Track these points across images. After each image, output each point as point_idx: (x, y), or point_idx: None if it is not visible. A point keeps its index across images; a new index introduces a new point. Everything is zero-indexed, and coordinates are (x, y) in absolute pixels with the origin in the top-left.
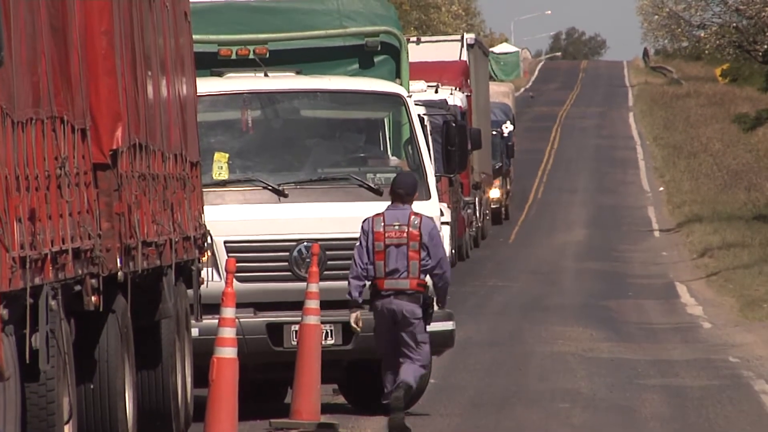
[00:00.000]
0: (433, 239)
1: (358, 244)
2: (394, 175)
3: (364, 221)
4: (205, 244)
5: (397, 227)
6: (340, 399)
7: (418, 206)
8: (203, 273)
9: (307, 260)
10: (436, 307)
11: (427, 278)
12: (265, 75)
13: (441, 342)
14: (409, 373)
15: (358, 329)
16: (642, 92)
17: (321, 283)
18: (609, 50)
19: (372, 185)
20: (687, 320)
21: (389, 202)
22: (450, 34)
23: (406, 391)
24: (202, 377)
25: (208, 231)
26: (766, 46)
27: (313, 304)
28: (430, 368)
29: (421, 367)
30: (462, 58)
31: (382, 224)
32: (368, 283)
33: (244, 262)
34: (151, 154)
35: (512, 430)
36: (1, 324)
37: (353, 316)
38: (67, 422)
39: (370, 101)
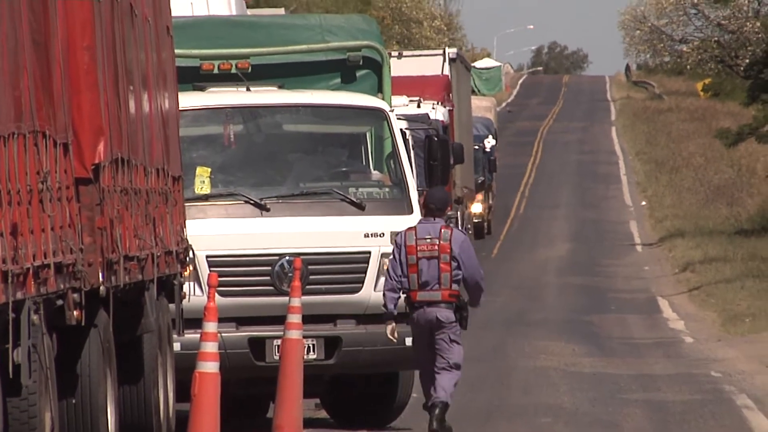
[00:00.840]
0: (464, 251)
1: (391, 257)
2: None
3: (396, 235)
4: (187, 259)
5: (428, 240)
6: (323, 413)
7: (397, 221)
8: (185, 287)
9: (290, 275)
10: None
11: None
12: (248, 89)
13: None
14: (443, 388)
15: (394, 340)
16: (624, 107)
17: (303, 298)
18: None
19: (354, 200)
20: (669, 335)
21: (370, 216)
22: (432, 49)
23: (442, 410)
24: (184, 392)
25: (190, 245)
26: (747, 61)
27: (295, 318)
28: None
29: (454, 375)
30: (444, 73)
31: (415, 238)
32: (402, 296)
33: (226, 277)
34: (134, 169)
35: None
36: None
37: (389, 328)
38: None
39: (352, 116)
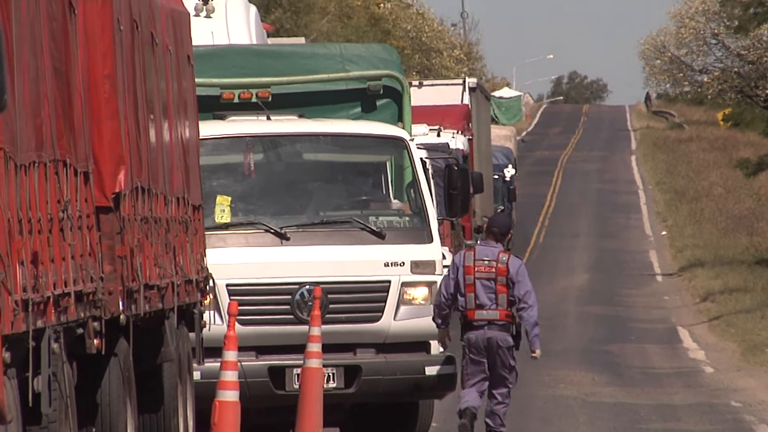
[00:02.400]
0: (520, 275)
1: (446, 274)
2: (491, 217)
3: (455, 255)
4: (208, 287)
5: (486, 262)
6: None
7: (417, 250)
8: (205, 316)
9: (309, 303)
10: (533, 353)
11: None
12: (268, 118)
13: (442, 385)
14: (500, 418)
15: (446, 346)
16: (644, 136)
17: (323, 327)
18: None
19: (374, 228)
20: (689, 365)
21: (390, 245)
22: (452, 78)
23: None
24: (204, 421)
25: (211, 274)
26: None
27: (315, 347)
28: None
29: (508, 405)
30: (464, 102)
31: (473, 259)
32: (448, 312)
33: (246, 305)
34: (154, 198)
35: None
36: (3, 367)
37: (440, 333)
38: None
39: (372, 145)
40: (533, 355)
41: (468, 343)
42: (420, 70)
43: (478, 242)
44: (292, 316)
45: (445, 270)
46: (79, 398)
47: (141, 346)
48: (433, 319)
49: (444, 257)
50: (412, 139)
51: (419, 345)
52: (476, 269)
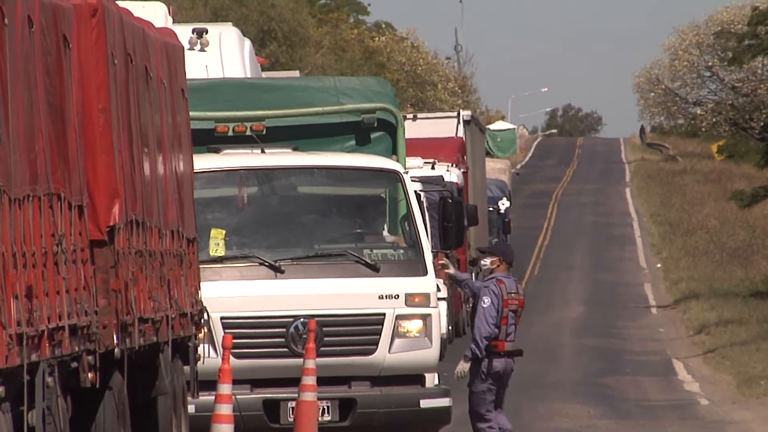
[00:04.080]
0: None
1: (488, 305)
2: (506, 246)
3: (493, 285)
4: (202, 321)
5: (514, 294)
6: None
7: (412, 282)
8: (200, 349)
9: (304, 336)
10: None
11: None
12: (262, 151)
13: (437, 418)
14: (507, 421)
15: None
16: (639, 169)
17: (318, 360)
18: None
19: (369, 261)
20: (684, 397)
21: (384, 278)
22: (446, 111)
23: None
24: None
25: (205, 307)
26: (762, 124)
27: (310, 380)
28: None
29: None
30: (458, 135)
31: (506, 291)
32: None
33: (240, 338)
34: (148, 231)
35: None
36: None
37: (466, 366)
38: None
39: (366, 178)
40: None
41: (493, 371)
42: (414, 103)
43: (491, 274)
44: (286, 349)
45: (441, 303)
46: None
47: (135, 379)
48: (480, 350)
49: (439, 289)
50: (407, 172)
51: (414, 378)
52: (510, 301)
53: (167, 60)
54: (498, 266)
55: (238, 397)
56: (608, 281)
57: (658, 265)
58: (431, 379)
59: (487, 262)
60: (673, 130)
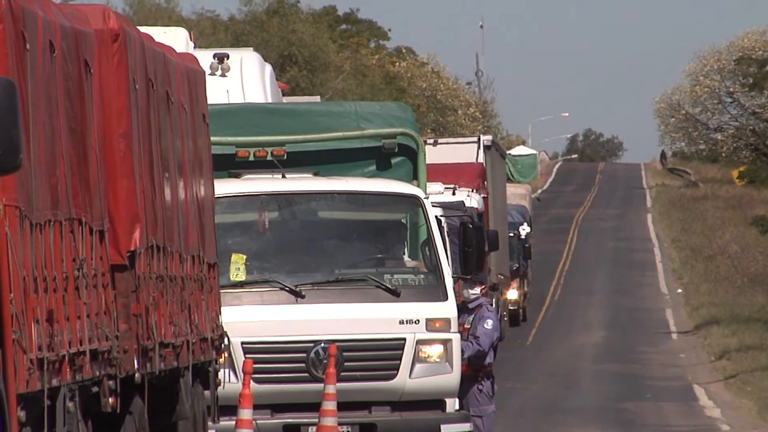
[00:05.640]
0: None
1: (494, 326)
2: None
3: (493, 312)
4: (223, 345)
5: None
6: None
7: (432, 307)
8: (220, 374)
9: (324, 361)
10: None
11: None
12: (283, 176)
13: None
14: None
15: None
16: (660, 194)
17: (338, 385)
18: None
19: (389, 286)
20: (705, 423)
21: (405, 303)
22: (467, 136)
23: None
24: None
25: (226, 332)
26: None
27: (330, 405)
28: None
29: None
30: (479, 160)
31: None
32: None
33: (261, 363)
34: (169, 256)
35: None
36: (19, 426)
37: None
38: None
39: (387, 203)
40: None
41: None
42: (435, 128)
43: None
44: (307, 374)
45: (460, 329)
46: None
47: (156, 404)
48: (479, 349)
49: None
50: (427, 197)
51: (434, 403)
52: None
53: (188, 85)
54: (484, 294)
55: (258, 422)
56: (629, 306)
57: (679, 291)
58: (451, 404)
59: (477, 291)
60: (694, 156)
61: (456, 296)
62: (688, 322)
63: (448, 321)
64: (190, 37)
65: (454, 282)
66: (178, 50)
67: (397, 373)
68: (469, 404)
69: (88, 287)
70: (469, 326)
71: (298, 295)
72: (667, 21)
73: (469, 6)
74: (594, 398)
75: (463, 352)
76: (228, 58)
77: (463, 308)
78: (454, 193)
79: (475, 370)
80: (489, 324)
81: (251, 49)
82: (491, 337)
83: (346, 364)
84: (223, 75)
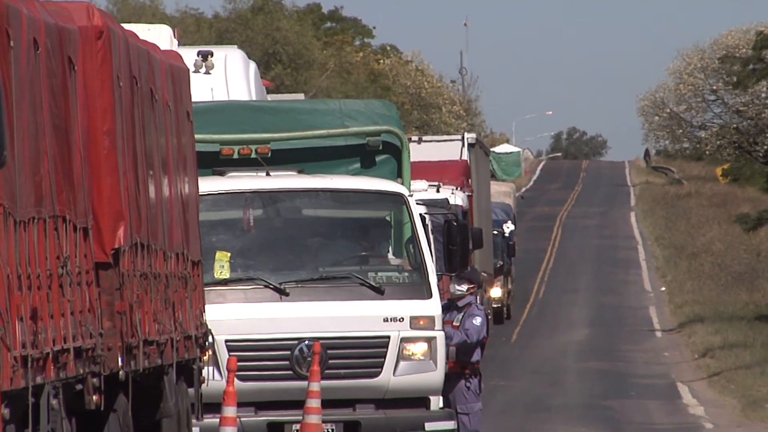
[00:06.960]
0: None
1: (482, 323)
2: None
3: (482, 310)
4: (207, 343)
5: None
6: None
7: (416, 305)
8: (204, 372)
9: (309, 359)
10: None
11: None
12: (267, 174)
13: None
14: None
15: None
16: (643, 192)
17: (322, 382)
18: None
19: (373, 284)
20: (689, 420)
21: (389, 300)
22: (451, 134)
23: None
24: None
25: (210, 330)
26: (766, 147)
27: (314, 403)
28: None
29: None
30: (463, 158)
31: None
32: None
33: (245, 361)
34: (153, 253)
35: None
36: (2, 424)
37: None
38: None
39: (371, 200)
40: None
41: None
42: (419, 126)
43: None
44: (291, 372)
45: (447, 327)
46: None
47: (140, 401)
48: (466, 339)
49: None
50: (412, 195)
51: (419, 401)
52: None
53: (172, 82)
54: (471, 293)
55: (242, 419)
56: (613, 304)
57: (663, 289)
58: (436, 402)
59: (463, 288)
60: (678, 154)
61: (442, 293)
62: (671, 320)
63: (432, 319)
64: (174, 35)
65: (439, 279)
66: (162, 47)
67: (381, 371)
68: (457, 401)
69: (72, 285)
70: (458, 324)
71: (282, 293)
72: (650, 19)
73: (454, 4)
74: (578, 396)
75: (450, 338)
76: (212, 56)
77: (451, 305)
78: (438, 191)
79: (462, 367)
80: (477, 321)
81: (235, 46)
82: (479, 333)
83: (330, 361)
84: (207, 72)
